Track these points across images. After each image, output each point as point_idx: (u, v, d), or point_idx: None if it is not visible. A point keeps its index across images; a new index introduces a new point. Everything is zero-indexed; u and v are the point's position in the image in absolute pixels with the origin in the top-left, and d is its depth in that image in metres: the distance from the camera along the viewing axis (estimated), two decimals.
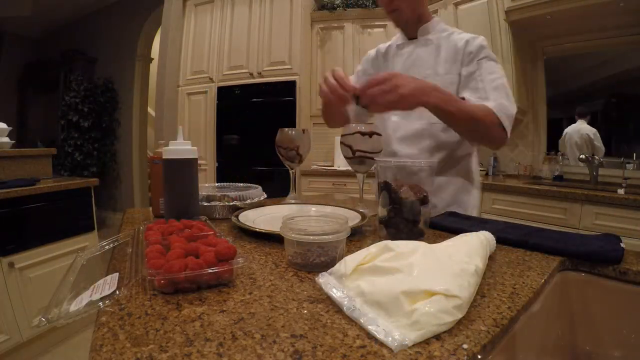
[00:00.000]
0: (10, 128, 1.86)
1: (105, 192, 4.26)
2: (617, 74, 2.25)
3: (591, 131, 2.32)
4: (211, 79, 3.09)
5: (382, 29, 2.85)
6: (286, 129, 0.88)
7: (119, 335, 0.31)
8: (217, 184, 1.02)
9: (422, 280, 0.34)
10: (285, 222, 0.48)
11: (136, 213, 0.87)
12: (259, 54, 2.93)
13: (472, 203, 1.01)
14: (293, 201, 0.90)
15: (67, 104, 4.01)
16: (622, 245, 0.55)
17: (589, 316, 0.52)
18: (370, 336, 0.31)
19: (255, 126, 2.91)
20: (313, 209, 0.79)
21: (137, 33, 4.10)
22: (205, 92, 3.11)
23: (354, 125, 0.79)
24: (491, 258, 0.52)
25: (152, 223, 0.58)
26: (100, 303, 0.37)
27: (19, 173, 1.80)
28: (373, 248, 0.40)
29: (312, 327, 0.33)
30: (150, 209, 0.83)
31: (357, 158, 0.79)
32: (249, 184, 0.98)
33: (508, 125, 0.84)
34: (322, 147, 3.03)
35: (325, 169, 2.84)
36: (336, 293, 0.37)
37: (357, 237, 0.64)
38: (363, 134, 0.77)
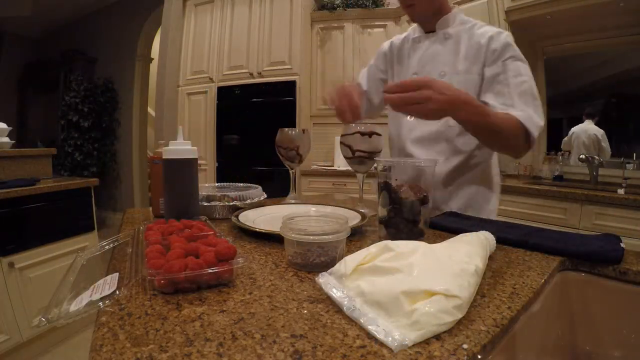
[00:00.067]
0: (10, 128, 1.86)
1: (105, 192, 4.26)
2: (617, 74, 2.25)
3: (599, 132, 2.30)
4: (211, 79, 3.09)
5: (382, 29, 2.85)
6: (286, 129, 0.88)
7: (119, 335, 0.31)
8: (217, 184, 1.02)
9: (422, 280, 0.34)
10: (285, 222, 0.48)
11: (136, 213, 0.87)
12: (259, 54, 2.93)
13: (488, 209, 0.95)
14: (293, 201, 0.90)
15: (67, 104, 4.01)
16: (622, 245, 0.55)
17: (589, 316, 0.52)
18: (370, 336, 0.31)
19: (255, 126, 2.91)
20: (313, 209, 0.79)
21: (137, 33, 4.10)
22: (205, 92, 3.11)
23: (353, 125, 0.79)
24: (491, 258, 0.52)
25: (152, 223, 0.58)
26: (100, 303, 0.37)
27: (19, 173, 1.80)
28: (373, 248, 0.40)
29: (312, 327, 0.33)
30: (150, 209, 0.83)
31: (357, 158, 0.79)
32: (249, 184, 0.98)
33: (534, 139, 0.79)
34: (322, 147, 3.03)
35: (325, 169, 2.84)
36: (336, 293, 0.37)
37: (357, 237, 0.64)
38: (363, 134, 0.77)
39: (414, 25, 0.98)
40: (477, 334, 0.32)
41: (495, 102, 0.81)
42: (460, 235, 0.51)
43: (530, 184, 2.13)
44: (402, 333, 0.31)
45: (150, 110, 4.28)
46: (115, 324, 0.33)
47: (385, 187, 0.59)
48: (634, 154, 2.07)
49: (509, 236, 0.60)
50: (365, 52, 2.85)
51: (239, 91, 2.98)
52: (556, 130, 2.49)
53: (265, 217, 0.74)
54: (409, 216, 0.58)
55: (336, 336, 0.31)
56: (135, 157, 4.20)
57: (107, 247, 0.57)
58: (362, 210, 0.74)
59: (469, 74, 0.86)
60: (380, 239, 0.60)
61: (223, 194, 0.82)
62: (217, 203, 0.79)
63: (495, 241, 0.54)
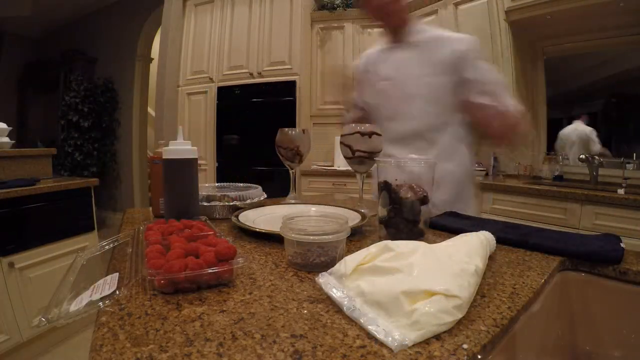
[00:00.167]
0: (10, 128, 1.86)
1: (105, 192, 4.25)
2: (617, 74, 2.25)
3: (587, 129, 2.36)
4: (211, 79, 3.09)
5: (382, 29, 2.85)
6: (286, 129, 0.88)
7: (119, 335, 0.31)
8: (217, 184, 1.02)
9: (422, 280, 0.34)
10: (285, 222, 0.48)
11: (136, 213, 0.87)
12: (259, 54, 2.93)
13: (473, 201, 1.05)
14: (293, 201, 0.90)
15: (67, 104, 4.01)
16: (622, 245, 0.55)
17: (589, 316, 0.52)
18: (370, 336, 0.31)
19: (255, 126, 2.91)
20: (313, 209, 0.79)
21: (137, 33, 4.10)
22: (205, 92, 3.11)
23: (353, 125, 0.79)
24: (491, 258, 0.52)
25: (152, 223, 0.58)
26: (100, 303, 0.37)
27: (19, 173, 1.80)
28: (373, 248, 0.40)
29: (312, 327, 0.33)
30: (150, 209, 0.83)
31: (357, 158, 0.79)
32: (249, 184, 0.98)
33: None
34: (322, 147, 3.03)
35: (325, 169, 2.84)
36: (336, 293, 0.37)
37: (357, 237, 0.64)
38: (363, 134, 0.77)
39: (381, 41, 1.09)
40: (477, 334, 0.32)
41: (492, 102, 0.91)
42: (460, 235, 0.51)
43: (530, 184, 2.13)
44: (402, 333, 0.31)
45: (150, 110, 4.28)
46: (115, 324, 0.33)
47: (385, 187, 0.59)
48: (634, 154, 2.07)
49: (509, 236, 0.60)
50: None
51: (239, 91, 2.98)
52: (556, 131, 2.49)
53: (265, 217, 0.74)
54: (409, 216, 0.58)
55: (336, 336, 0.31)
56: (135, 157, 4.20)
57: (107, 247, 0.57)
58: (362, 210, 0.74)
59: (436, 76, 0.95)
60: (380, 239, 0.60)
61: (223, 194, 0.82)
62: (217, 203, 0.79)
63: (495, 241, 0.54)
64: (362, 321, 0.33)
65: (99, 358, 0.28)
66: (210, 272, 0.40)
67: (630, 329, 0.49)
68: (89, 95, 4.07)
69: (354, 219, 0.68)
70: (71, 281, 0.43)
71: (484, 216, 1.63)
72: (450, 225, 0.70)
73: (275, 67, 2.88)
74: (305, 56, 2.90)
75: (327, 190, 2.76)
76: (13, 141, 1.85)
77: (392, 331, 0.31)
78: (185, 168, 0.67)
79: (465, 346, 0.30)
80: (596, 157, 2.07)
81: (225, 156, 3.07)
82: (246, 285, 0.42)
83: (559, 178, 2.30)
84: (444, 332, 0.32)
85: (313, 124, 3.05)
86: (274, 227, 0.59)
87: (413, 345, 0.30)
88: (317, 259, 0.47)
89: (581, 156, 2.11)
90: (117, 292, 0.38)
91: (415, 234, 0.60)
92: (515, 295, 0.41)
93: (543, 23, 2.19)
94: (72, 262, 0.49)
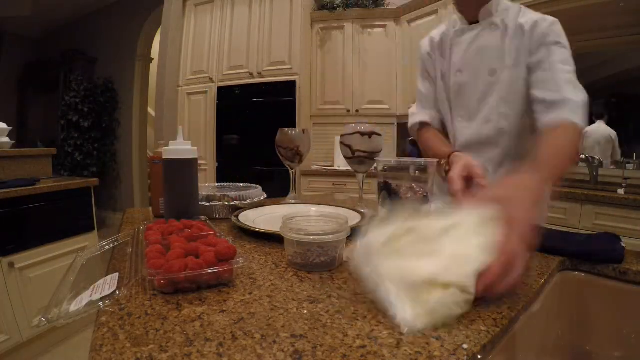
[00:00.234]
0: (10, 128, 1.86)
1: (105, 192, 4.26)
2: (617, 74, 2.24)
3: (612, 133, 2.23)
4: (211, 79, 3.09)
5: (382, 29, 2.85)
6: (286, 129, 0.88)
7: (119, 335, 0.31)
8: (217, 184, 1.02)
9: (443, 270, 0.36)
10: (285, 222, 0.48)
11: (136, 213, 0.87)
12: (259, 54, 2.93)
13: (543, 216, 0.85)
14: (293, 201, 0.90)
15: (67, 104, 4.01)
16: (622, 244, 0.55)
17: (589, 316, 0.52)
18: (371, 336, 0.31)
19: (255, 126, 2.91)
20: (313, 209, 0.79)
21: (137, 33, 4.10)
22: (205, 92, 3.11)
23: (353, 125, 0.79)
24: None
25: (152, 223, 0.58)
26: (100, 303, 0.37)
27: (19, 173, 1.80)
28: (400, 227, 0.41)
29: (312, 327, 0.33)
30: (150, 209, 0.83)
31: (357, 158, 0.79)
32: (249, 184, 0.98)
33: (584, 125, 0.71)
34: (322, 147, 3.03)
35: (325, 169, 2.84)
36: (363, 269, 0.38)
37: (357, 237, 0.64)
38: (363, 134, 0.77)
39: (454, 17, 0.89)
40: (477, 334, 0.32)
41: (544, 95, 0.73)
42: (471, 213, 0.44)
43: None
44: (416, 317, 0.32)
45: (150, 110, 4.28)
46: (115, 324, 0.33)
47: (385, 187, 0.59)
48: (634, 154, 2.07)
49: None
50: (366, 52, 2.85)
51: (239, 91, 2.98)
52: None
53: (265, 217, 0.74)
54: None
55: (336, 336, 0.31)
56: (135, 157, 4.21)
57: (107, 247, 0.57)
58: (362, 210, 0.74)
59: (517, 67, 0.78)
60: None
61: (223, 194, 0.82)
62: (217, 203, 0.79)
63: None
64: (382, 300, 0.35)
65: (99, 358, 0.28)
66: (210, 272, 0.40)
67: (630, 329, 0.49)
68: (89, 95, 4.07)
69: (354, 219, 0.68)
70: (71, 281, 0.43)
71: None
72: None
73: (275, 67, 2.88)
74: (305, 56, 2.90)
75: (327, 190, 2.76)
76: (13, 141, 1.85)
77: (407, 313, 0.33)
78: (185, 168, 0.67)
79: (465, 346, 0.30)
80: (596, 157, 2.07)
81: (225, 156, 3.07)
82: (246, 285, 0.42)
83: None
84: (444, 331, 0.32)
85: (313, 124, 3.05)
86: (274, 227, 0.59)
87: (413, 345, 0.30)
88: (317, 259, 0.47)
89: (581, 156, 2.11)
90: (117, 292, 0.38)
91: None
92: (515, 295, 0.41)
93: None
94: (72, 262, 0.49)
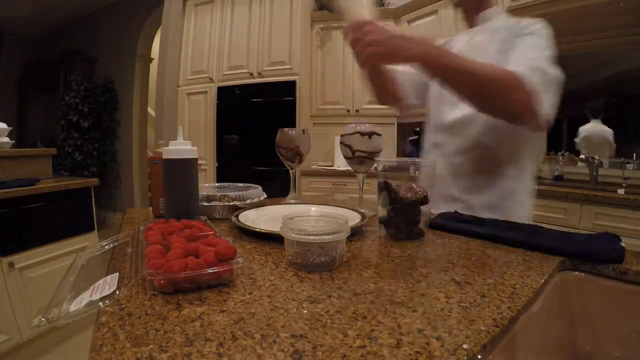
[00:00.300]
0: (10, 128, 1.86)
1: (105, 192, 4.26)
2: (617, 74, 2.24)
3: (608, 131, 2.23)
4: (211, 79, 3.09)
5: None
6: (286, 129, 0.88)
7: (119, 335, 0.31)
8: (217, 184, 1.02)
9: None
10: (285, 222, 0.48)
11: (136, 213, 0.87)
12: (259, 54, 2.94)
13: (520, 213, 0.84)
14: (293, 201, 0.90)
15: (67, 104, 4.01)
16: (622, 244, 0.55)
17: (589, 316, 0.52)
18: (371, 336, 0.31)
19: (255, 126, 2.91)
20: (313, 209, 0.79)
21: (137, 33, 4.10)
22: (205, 92, 3.11)
23: (353, 125, 0.79)
24: (491, 258, 0.52)
25: (152, 223, 0.58)
26: (100, 303, 0.37)
27: (19, 173, 1.80)
28: None
29: (312, 327, 0.33)
30: (150, 209, 0.83)
31: (357, 158, 0.79)
32: (249, 184, 0.98)
33: (540, 87, 0.68)
34: (322, 147, 3.03)
35: (325, 169, 2.84)
36: None
37: (357, 237, 0.64)
38: (363, 134, 0.77)
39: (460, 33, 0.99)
40: (477, 334, 0.32)
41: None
42: None
43: None
44: None
45: (150, 110, 4.28)
46: (115, 324, 0.33)
47: (385, 187, 0.59)
48: (634, 154, 2.07)
49: (509, 236, 0.60)
50: None
51: (239, 91, 2.98)
52: (556, 130, 2.49)
53: (265, 217, 0.74)
54: (409, 216, 0.58)
55: (336, 336, 0.31)
56: (135, 157, 4.21)
57: (107, 247, 0.57)
58: (362, 210, 0.74)
59: (501, 54, 0.79)
60: (380, 239, 0.60)
61: (223, 194, 0.82)
62: (217, 203, 0.79)
63: None
64: None
65: (99, 358, 0.28)
66: (210, 272, 0.40)
67: (630, 329, 0.49)
68: (89, 95, 4.07)
69: (353, 219, 0.68)
70: (71, 281, 0.43)
71: None
72: (450, 225, 0.70)
73: (275, 67, 2.88)
74: (305, 56, 2.90)
75: (327, 190, 2.76)
76: (13, 141, 1.85)
77: None
78: (185, 168, 0.67)
79: (465, 346, 0.30)
80: (596, 157, 2.07)
81: (225, 156, 3.08)
82: (246, 285, 0.42)
83: (559, 178, 2.30)
84: (444, 331, 0.32)
85: (313, 124, 3.05)
86: (274, 227, 0.59)
87: (413, 345, 0.30)
88: (317, 259, 0.47)
89: (581, 156, 2.11)
90: (117, 292, 0.38)
91: (415, 234, 0.60)
92: (515, 295, 0.41)
93: None
94: (72, 262, 0.49)
